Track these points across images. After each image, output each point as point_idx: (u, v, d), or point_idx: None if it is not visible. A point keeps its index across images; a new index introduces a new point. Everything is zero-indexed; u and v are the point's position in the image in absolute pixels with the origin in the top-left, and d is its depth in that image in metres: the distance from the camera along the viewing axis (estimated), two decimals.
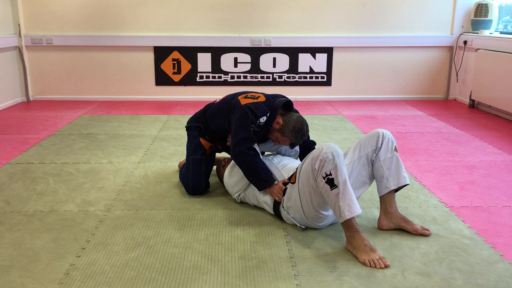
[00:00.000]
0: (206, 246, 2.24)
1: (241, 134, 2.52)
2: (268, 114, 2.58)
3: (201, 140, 2.86)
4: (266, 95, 2.68)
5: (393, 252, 2.20)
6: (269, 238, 2.32)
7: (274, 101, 2.63)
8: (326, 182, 2.14)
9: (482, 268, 2.07)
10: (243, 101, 2.61)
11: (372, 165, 2.43)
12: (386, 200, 2.43)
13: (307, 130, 2.61)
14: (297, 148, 2.83)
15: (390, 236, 2.36)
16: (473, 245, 2.27)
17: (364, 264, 2.08)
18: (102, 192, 2.89)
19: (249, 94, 2.68)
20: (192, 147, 2.86)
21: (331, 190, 2.14)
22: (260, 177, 2.51)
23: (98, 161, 3.47)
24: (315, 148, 2.80)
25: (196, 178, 2.80)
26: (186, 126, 2.99)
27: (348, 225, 2.16)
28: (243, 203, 2.74)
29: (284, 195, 2.43)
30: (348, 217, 2.12)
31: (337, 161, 2.13)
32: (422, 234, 2.37)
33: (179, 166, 3.27)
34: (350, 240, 2.18)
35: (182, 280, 1.96)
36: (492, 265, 2.09)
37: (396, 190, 2.43)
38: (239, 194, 2.70)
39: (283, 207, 2.43)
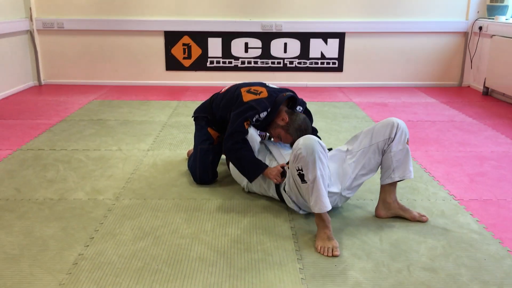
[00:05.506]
0: (212, 237, 2.26)
1: (231, 128, 2.57)
2: (269, 109, 2.59)
3: (209, 130, 2.86)
4: (268, 90, 2.67)
5: (399, 246, 2.19)
6: (275, 230, 2.33)
7: (276, 96, 2.63)
8: (298, 175, 2.19)
9: (489, 264, 2.05)
10: (246, 97, 2.62)
11: (383, 154, 2.41)
12: (387, 190, 2.45)
13: (310, 130, 2.67)
14: None
15: (397, 229, 2.35)
16: (480, 240, 2.26)
17: (316, 250, 2.14)
18: (111, 180, 2.92)
19: (252, 89, 2.68)
20: (200, 136, 2.87)
21: (301, 183, 2.19)
22: (245, 170, 2.57)
23: (108, 148, 3.49)
24: (317, 135, 2.83)
25: (203, 168, 2.81)
26: (193, 116, 2.99)
27: (317, 215, 2.22)
28: (250, 193, 2.74)
29: (284, 177, 2.45)
30: (316, 212, 2.19)
31: (309, 158, 2.13)
32: (420, 220, 2.41)
33: (187, 154, 3.28)
34: (317, 227, 2.24)
35: (188, 271, 1.97)
36: (499, 261, 2.08)
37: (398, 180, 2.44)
38: (247, 184, 2.71)
39: (284, 191, 2.45)
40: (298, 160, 2.16)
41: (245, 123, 2.56)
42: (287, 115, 2.61)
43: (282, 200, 2.53)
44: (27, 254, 2.09)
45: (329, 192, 2.31)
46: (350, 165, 2.40)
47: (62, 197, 2.67)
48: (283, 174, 2.46)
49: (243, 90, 2.68)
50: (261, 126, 2.69)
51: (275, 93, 2.66)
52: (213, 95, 2.93)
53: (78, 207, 2.55)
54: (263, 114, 2.58)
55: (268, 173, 2.51)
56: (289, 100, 2.72)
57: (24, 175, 2.98)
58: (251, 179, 2.58)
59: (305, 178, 2.16)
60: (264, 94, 2.63)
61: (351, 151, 2.44)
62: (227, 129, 2.62)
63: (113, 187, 2.81)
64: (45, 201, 2.62)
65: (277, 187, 2.52)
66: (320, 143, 2.16)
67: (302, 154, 2.13)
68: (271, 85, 2.81)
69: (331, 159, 2.43)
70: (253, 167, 2.55)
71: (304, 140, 2.16)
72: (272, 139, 2.86)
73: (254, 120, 2.58)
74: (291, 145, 2.67)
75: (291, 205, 2.45)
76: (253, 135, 2.65)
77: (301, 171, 2.16)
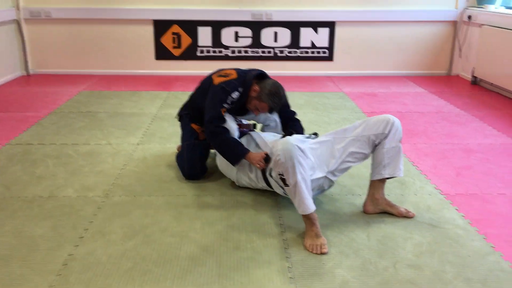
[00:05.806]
0: (202, 235, 2.28)
1: (209, 114, 2.63)
2: (240, 89, 2.65)
3: (193, 125, 2.91)
4: (238, 72, 2.76)
5: (386, 243, 2.23)
6: (264, 228, 2.35)
7: (245, 76, 2.71)
8: (280, 179, 2.23)
9: (473, 261, 2.10)
10: (216, 80, 2.71)
11: (374, 149, 2.44)
12: (376, 186, 2.49)
13: (284, 95, 2.71)
14: (276, 118, 2.92)
15: (384, 226, 2.38)
16: (465, 235, 2.30)
17: (305, 247, 2.18)
18: (101, 176, 2.92)
19: (222, 72, 2.78)
20: (185, 134, 2.92)
21: (284, 186, 2.23)
22: (227, 155, 2.61)
23: (98, 142, 3.49)
24: (296, 117, 2.91)
25: (191, 164, 2.83)
26: (177, 117, 3.03)
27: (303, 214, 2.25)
28: (240, 188, 2.76)
29: (268, 163, 2.47)
30: (300, 213, 2.23)
31: (288, 164, 2.15)
32: (406, 216, 2.47)
33: (177, 149, 3.29)
34: (305, 224, 2.26)
35: (177, 272, 1.99)
36: (483, 257, 2.12)
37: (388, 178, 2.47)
38: (237, 177, 2.72)
39: (271, 176, 2.48)
40: (278, 165, 2.19)
41: (222, 110, 2.62)
42: (257, 86, 2.68)
43: (271, 188, 2.56)
44: (17, 255, 2.10)
45: (314, 179, 2.35)
46: (339, 149, 2.43)
47: (52, 195, 2.67)
48: (266, 160, 2.48)
49: (214, 75, 2.78)
50: (236, 108, 2.72)
51: (244, 73, 2.75)
52: (191, 93, 3.00)
53: (67, 205, 2.55)
54: (235, 95, 2.65)
55: (251, 158, 2.54)
56: (259, 78, 2.76)
57: (13, 171, 2.97)
58: (234, 162, 2.61)
59: (287, 182, 2.19)
60: (234, 75, 2.72)
61: (341, 135, 2.46)
62: (204, 116, 2.67)
63: (102, 184, 2.81)
64: (34, 199, 2.62)
65: (264, 174, 2.54)
66: (298, 147, 2.17)
67: (281, 160, 2.16)
68: (243, 68, 2.87)
69: (319, 144, 2.46)
70: (234, 151, 2.59)
71: (282, 145, 2.17)
72: (256, 129, 2.89)
73: (229, 102, 2.64)
74: (270, 111, 2.71)
75: (279, 190, 2.48)
76: (229, 123, 2.67)
77: (282, 176, 2.20)
